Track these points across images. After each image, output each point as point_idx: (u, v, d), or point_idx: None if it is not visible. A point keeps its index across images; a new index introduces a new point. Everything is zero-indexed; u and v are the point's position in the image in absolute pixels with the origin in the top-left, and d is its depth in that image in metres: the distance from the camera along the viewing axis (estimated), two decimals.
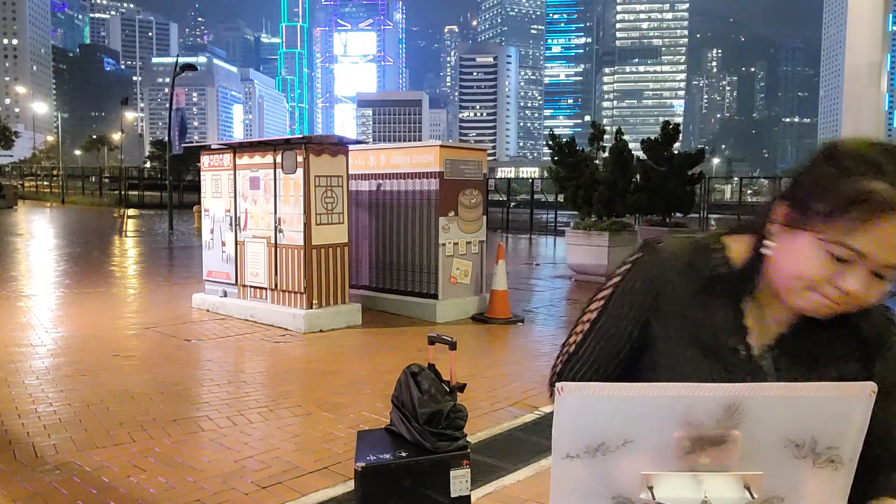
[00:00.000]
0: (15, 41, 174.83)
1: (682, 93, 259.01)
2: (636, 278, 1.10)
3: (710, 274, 1.07)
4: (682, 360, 1.06)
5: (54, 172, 55.94)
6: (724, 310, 1.06)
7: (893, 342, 1.07)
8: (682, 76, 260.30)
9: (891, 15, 5.54)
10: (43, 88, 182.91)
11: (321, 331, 7.37)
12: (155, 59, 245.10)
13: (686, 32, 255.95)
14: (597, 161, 13.08)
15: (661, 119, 18.22)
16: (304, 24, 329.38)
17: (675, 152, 13.90)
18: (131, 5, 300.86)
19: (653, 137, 14.12)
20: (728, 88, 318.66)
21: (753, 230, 1.06)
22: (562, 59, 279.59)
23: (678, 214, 14.26)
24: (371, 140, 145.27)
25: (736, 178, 35.34)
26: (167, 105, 24.42)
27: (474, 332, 7.65)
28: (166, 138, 25.30)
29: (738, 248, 1.08)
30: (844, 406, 0.88)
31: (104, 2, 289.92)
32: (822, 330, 1.04)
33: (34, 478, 3.59)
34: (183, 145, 22.41)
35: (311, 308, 7.42)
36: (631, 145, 13.31)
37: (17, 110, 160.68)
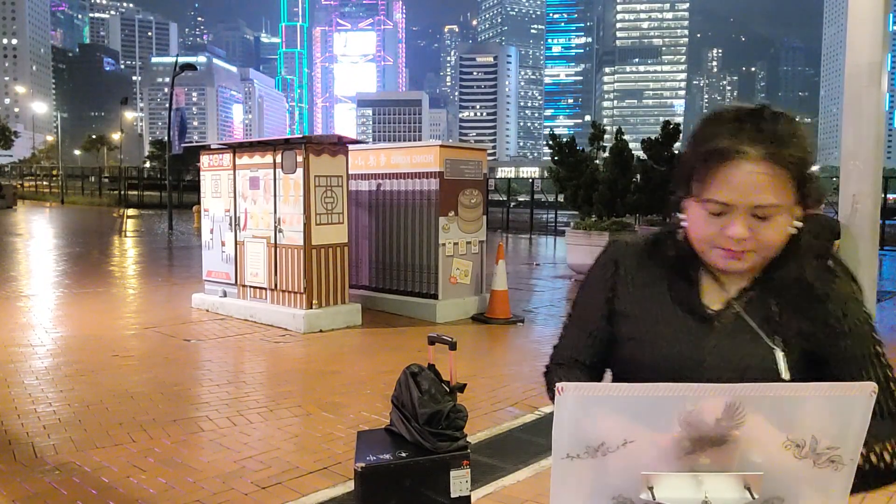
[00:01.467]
0: (14, 41, 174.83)
1: (682, 93, 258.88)
2: (597, 265, 1.27)
3: (664, 252, 1.19)
4: (644, 327, 1.17)
5: (54, 172, 56.00)
6: (680, 281, 1.17)
7: (836, 289, 1.12)
8: (683, 76, 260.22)
9: (891, 15, 5.52)
10: (42, 88, 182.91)
11: (321, 331, 7.37)
12: (155, 59, 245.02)
13: (686, 32, 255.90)
14: (597, 161, 13.09)
15: (661, 119, 18.23)
16: (303, 23, 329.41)
17: (676, 152, 13.90)
18: (131, 5, 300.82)
19: (653, 137, 14.11)
20: (728, 88, 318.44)
21: (677, 210, 1.18)
22: (562, 59, 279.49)
23: (678, 214, 14.25)
24: (371, 140, 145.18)
25: None
26: (167, 105, 24.41)
27: (474, 332, 7.65)
28: (166, 138, 25.30)
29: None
30: (845, 406, 0.88)
31: (104, 1, 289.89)
32: (774, 290, 1.12)
33: (34, 478, 3.59)
34: (183, 145, 22.40)
35: (311, 308, 7.42)
36: (631, 145, 13.31)
37: (16, 110, 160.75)
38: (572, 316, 1.30)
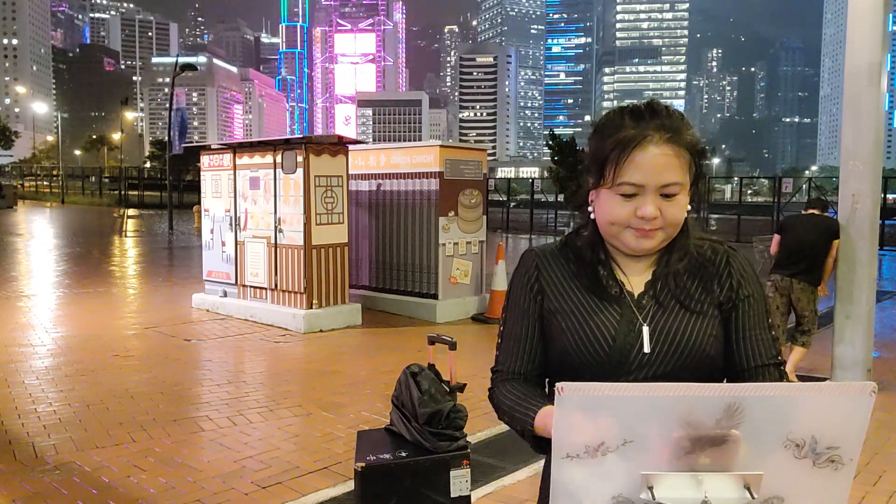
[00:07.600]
0: (15, 41, 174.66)
1: (682, 93, 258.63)
2: (518, 274, 1.32)
3: (578, 249, 1.27)
4: (580, 317, 1.22)
5: (54, 172, 56.01)
6: (599, 271, 1.25)
7: (735, 263, 1.26)
8: (682, 76, 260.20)
9: (891, 15, 5.53)
10: (43, 88, 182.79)
11: (321, 331, 7.37)
12: (155, 59, 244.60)
13: (686, 32, 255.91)
14: None
15: None
16: (303, 24, 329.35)
17: None
18: (131, 5, 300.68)
19: None
20: (728, 88, 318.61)
21: (585, 204, 1.27)
22: (562, 59, 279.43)
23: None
24: (371, 140, 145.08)
25: (736, 178, 35.35)
26: (167, 105, 24.41)
27: (474, 332, 7.65)
28: (166, 138, 25.30)
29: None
30: (844, 406, 0.88)
31: (104, 2, 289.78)
32: (681, 271, 1.23)
33: (34, 478, 3.59)
34: (183, 145, 22.40)
35: (311, 308, 7.42)
36: None
37: (17, 110, 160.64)
38: (505, 333, 1.32)
